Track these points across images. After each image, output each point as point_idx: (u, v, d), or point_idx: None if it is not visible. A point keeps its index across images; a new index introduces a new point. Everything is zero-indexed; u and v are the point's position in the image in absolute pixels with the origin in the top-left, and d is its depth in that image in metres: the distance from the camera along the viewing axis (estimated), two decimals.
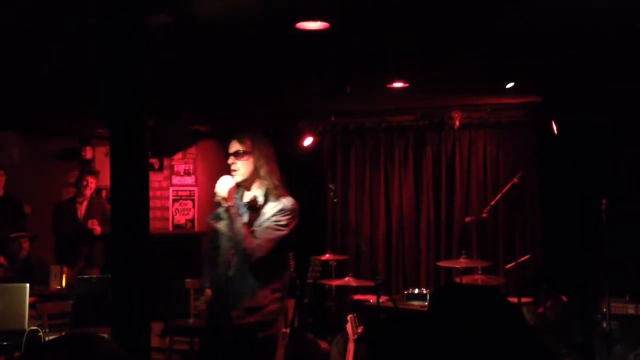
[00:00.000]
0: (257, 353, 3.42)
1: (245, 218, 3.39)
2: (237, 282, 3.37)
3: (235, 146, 3.42)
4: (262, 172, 3.40)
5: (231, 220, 3.32)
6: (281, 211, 3.35)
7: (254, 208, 3.37)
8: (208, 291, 3.50)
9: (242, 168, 3.40)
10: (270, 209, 3.36)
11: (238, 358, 3.41)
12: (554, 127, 5.76)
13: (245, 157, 3.40)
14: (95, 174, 6.78)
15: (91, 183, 6.59)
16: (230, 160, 3.41)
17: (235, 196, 3.42)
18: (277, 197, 3.38)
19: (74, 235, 6.43)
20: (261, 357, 3.44)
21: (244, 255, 3.32)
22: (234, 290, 3.37)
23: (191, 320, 5.89)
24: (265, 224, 3.34)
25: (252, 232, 3.33)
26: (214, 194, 3.41)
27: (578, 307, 5.21)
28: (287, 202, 3.39)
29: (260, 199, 3.39)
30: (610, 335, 4.72)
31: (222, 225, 3.40)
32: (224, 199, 3.31)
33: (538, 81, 5.22)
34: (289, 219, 3.37)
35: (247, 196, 3.44)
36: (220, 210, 3.36)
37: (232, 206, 3.32)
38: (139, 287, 2.97)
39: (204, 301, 3.52)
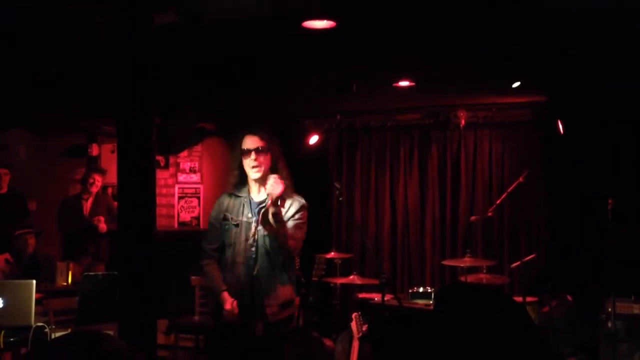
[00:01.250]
0: (286, 345, 3.57)
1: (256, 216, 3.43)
2: (264, 280, 3.40)
3: (256, 142, 3.42)
4: (279, 169, 3.44)
5: (282, 222, 3.33)
6: (299, 210, 3.45)
7: (276, 216, 3.34)
8: (225, 294, 3.44)
9: (264, 164, 3.42)
10: (290, 207, 3.43)
11: (269, 353, 3.46)
12: (560, 127, 5.75)
13: (265, 154, 3.43)
14: (101, 171, 6.80)
15: (97, 180, 6.62)
16: (253, 156, 3.40)
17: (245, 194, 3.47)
18: (290, 195, 3.43)
19: (80, 232, 6.46)
20: (287, 348, 3.59)
21: (282, 255, 3.38)
22: (265, 288, 3.41)
23: (196, 318, 5.91)
24: (291, 224, 3.41)
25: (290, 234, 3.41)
26: (230, 192, 3.46)
27: (583, 307, 5.20)
28: (301, 200, 3.49)
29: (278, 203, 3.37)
30: (615, 335, 4.71)
31: (267, 227, 3.37)
32: (277, 201, 3.29)
33: (544, 80, 5.21)
34: (306, 216, 3.49)
35: (262, 193, 3.45)
36: (272, 212, 3.30)
37: (280, 211, 3.34)
38: (145, 284, 2.98)
39: (231, 303, 3.41)
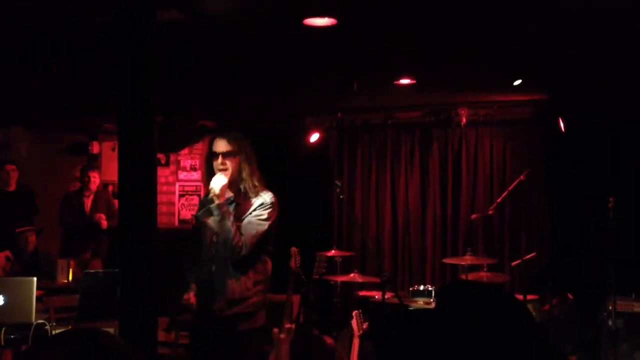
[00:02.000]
0: (239, 346, 3.51)
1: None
2: (219, 275, 3.47)
3: (224, 146, 3.52)
4: (244, 173, 3.52)
5: (222, 217, 3.42)
6: (261, 205, 3.48)
7: (216, 210, 3.46)
8: (192, 286, 3.61)
9: (230, 168, 3.51)
10: (252, 205, 3.49)
11: (222, 351, 3.49)
12: (562, 125, 5.75)
13: (233, 158, 3.51)
14: (95, 168, 6.79)
15: (94, 177, 6.63)
16: (220, 160, 3.50)
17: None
18: (257, 194, 3.50)
19: (81, 228, 6.47)
20: (243, 349, 3.53)
21: (231, 251, 3.42)
22: (217, 284, 3.48)
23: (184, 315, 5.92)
24: (247, 219, 3.46)
25: (239, 228, 3.44)
26: (207, 191, 3.53)
27: (584, 305, 5.20)
28: (266, 196, 3.51)
29: (239, 198, 3.51)
30: (616, 333, 4.71)
31: (211, 221, 3.50)
32: (217, 195, 3.42)
33: (545, 78, 5.21)
34: (269, 212, 3.49)
35: (227, 194, 3.53)
36: (212, 206, 3.46)
37: (223, 204, 3.43)
38: (146, 281, 2.98)
39: (194, 294, 3.58)
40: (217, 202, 3.43)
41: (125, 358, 1.26)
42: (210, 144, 3.60)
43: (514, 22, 3.69)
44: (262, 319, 3.62)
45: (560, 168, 5.97)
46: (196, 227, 3.69)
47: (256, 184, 3.53)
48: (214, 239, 3.51)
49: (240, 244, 3.40)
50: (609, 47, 4.19)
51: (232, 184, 3.54)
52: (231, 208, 3.50)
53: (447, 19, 3.70)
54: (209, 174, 3.63)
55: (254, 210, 3.47)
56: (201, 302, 3.54)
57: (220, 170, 3.50)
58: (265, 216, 3.47)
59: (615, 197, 4.66)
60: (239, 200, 3.53)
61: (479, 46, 4.26)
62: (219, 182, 3.43)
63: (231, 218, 3.43)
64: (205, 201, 3.65)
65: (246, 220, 3.46)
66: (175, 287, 3.79)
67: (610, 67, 4.70)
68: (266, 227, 3.47)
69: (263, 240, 3.49)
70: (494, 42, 4.14)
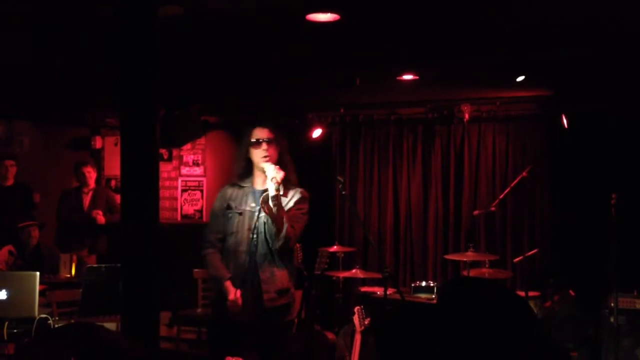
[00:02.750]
0: (286, 337, 3.58)
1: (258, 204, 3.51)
2: (265, 266, 3.48)
3: (266, 134, 3.55)
4: (285, 161, 3.55)
5: (278, 208, 3.42)
6: (302, 200, 3.54)
7: (275, 198, 3.45)
8: (228, 283, 3.50)
9: (273, 155, 3.54)
10: (292, 197, 3.52)
11: (268, 341, 3.52)
12: (565, 121, 5.73)
13: (275, 146, 3.55)
14: (88, 163, 6.77)
15: (90, 173, 6.61)
16: (264, 146, 3.52)
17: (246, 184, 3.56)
18: (294, 186, 3.56)
19: (78, 224, 6.48)
20: (288, 340, 3.60)
21: (284, 241, 3.43)
22: (264, 274, 3.48)
23: (199, 310, 5.92)
24: (293, 213, 3.50)
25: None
26: (233, 183, 3.57)
27: (586, 302, 5.20)
28: (303, 191, 3.59)
29: (281, 189, 3.48)
30: (618, 330, 4.71)
31: (266, 212, 3.45)
32: (279, 184, 3.41)
33: (549, 74, 5.19)
34: (307, 206, 3.58)
35: (265, 184, 3.51)
36: (272, 196, 3.42)
37: (279, 195, 3.43)
38: (148, 276, 2.99)
39: (235, 293, 3.47)
40: (278, 192, 3.40)
41: (122, 352, 1.26)
42: (249, 133, 3.58)
43: (517, 17, 3.67)
44: (296, 311, 3.72)
45: (563, 164, 5.96)
46: (218, 221, 3.60)
47: (293, 176, 3.58)
48: (253, 229, 3.48)
49: (292, 235, 3.46)
50: (612, 43, 4.17)
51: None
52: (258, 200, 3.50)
53: (450, 14, 3.69)
54: (245, 164, 3.60)
55: (297, 203, 3.53)
56: (245, 295, 3.48)
57: (264, 157, 3.50)
58: (305, 210, 3.57)
59: (618, 193, 4.65)
60: (279, 191, 3.50)
61: (482, 42, 4.25)
62: (279, 173, 3.43)
63: (284, 211, 3.46)
64: (225, 200, 3.58)
65: (292, 213, 3.51)
66: (177, 282, 3.80)
67: (614, 63, 4.69)
68: (306, 220, 3.57)
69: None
70: (497, 37, 4.13)
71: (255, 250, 3.48)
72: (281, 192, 3.42)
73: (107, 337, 1.27)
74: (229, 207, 3.57)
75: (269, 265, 3.49)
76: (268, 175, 3.43)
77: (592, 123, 5.72)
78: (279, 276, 3.50)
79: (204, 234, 3.66)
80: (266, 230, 3.48)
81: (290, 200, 3.53)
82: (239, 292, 3.47)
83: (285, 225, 3.42)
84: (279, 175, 3.41)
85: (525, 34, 4.01)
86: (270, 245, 3.48)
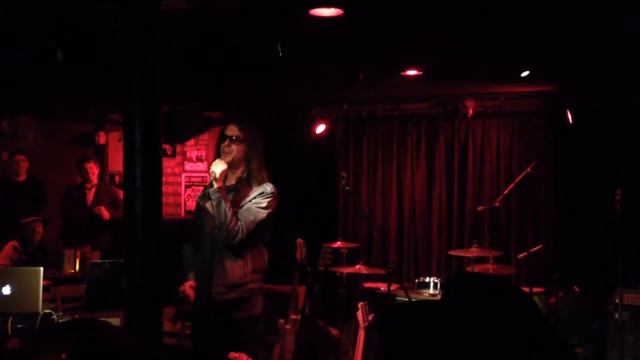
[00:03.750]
0: (240, 331, 3.56)
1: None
2: (218, 260, 3.53)
3: (234, 131, 3.61)
4: (253, 164, 3.60)
5: (219, 201, 3.48)
6: (261, 194, 3.56)
7: (214, 193, 3.52)
8: (190, 275, 3.66)
9: (234, 153, 3.59)
10: (252, 192, 3.56)
11: (223, 337, 3.54)
12: (569, 116, 5.71)
13: (239, 145, 3.59)
14: (91, 159, 6.78)
15: (92, 169, 6.62)
16: (226, 143, 3.59)
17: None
18: (259, 183, 3.59)
19: (81, 220, 6.48)
20: (243, 335, 3.57)
21: (227, 234, 3.47)
22: (216, 268, 3.53)
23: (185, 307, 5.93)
24: (246, 206, 3.53)
25: (235, 213, 3.50)
26: (210, 172, 3.59)
27: (590, 298, 5.19)
28: (267, 186, 3.60)
29: (242, 185, 3.58)
30: (623, 326, 4.70)
31: (209, 206, 3.57)
32: (216, 179, 3.49)
33: (553, 70, 5.17)
34: (269, 201, 3.56)
35: (231, 179, 3.62)
36: (211, 190, 3.52)
37: (221, 188, 3.50)
38: (151, 272, 2.99)
39: (189, 286, 3.62)
40: (215, 186, 3.49)
41: (124, 348, 1.26)
42: (222, 129, 3.68)
43: (522, 13, 3.65)
44: (260, 305, 3.67)
45: (567, 160, 5.93)
46: (197, 215, 3.73)
47: (263, 176, 3.61)
48: (214, 225, 3.55)
49: (236, 228, 3.47)
50: (617, 38, 4.15)
51: (235, 172, 3.63)
52: (230, 196, 3.55)
53: (454, 9, 3.67)
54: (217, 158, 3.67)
55: (254, 198, 3.55)
56: (200, 288, 3.59)
57: (225, 153, 3.58)
58: (264, 204, 3.54)
59: (623, 189, 4.63)
60: (239, 187, 3.60)
61: (486, 37, 4.23)
62: (219, 167, 3.51)
63: (228, 203, 3.48)
64: (204, 192, 3.71)
65: (245, 206, 3.53)
66: (181, 278, 3.81)
67: (619, 58, 4.66)
68: (264, 215, 3.54)
69: (260, 228, 3.56)
70: (502, 32, 4.11)
71: (214, 244, 3.55)
72: (216, 186, 3.47)
73: (111, 333, 1.27)
74: (199, 205, 3.70)
75: (221, 259, 3.53)
76: (211, 169, 3.52)
77: (596, 118, 5.69)
78: (231, 270, 3.52)
79: (189, 231, 3.80)
80: (219, 226, 3.54)
81: (249, 195, 3.57)
82: (188, 284, 3.60)
83: (228, 218, 3.44)
84: (217, 170, 3.48)
85: (529, 29, 3.98)
86: (225, 240, 3.52)
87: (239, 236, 3.48)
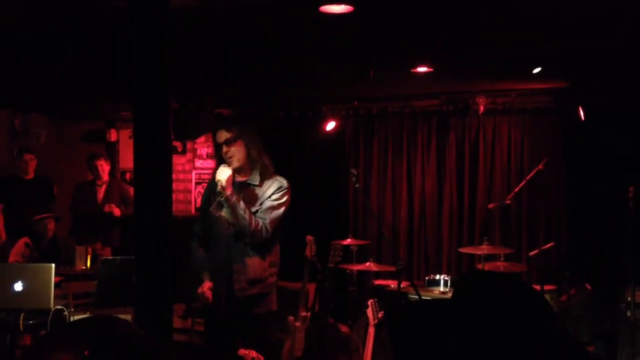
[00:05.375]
0: (259, 328, 3.59)
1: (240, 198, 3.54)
2: (237, 257, 3.54)
3: (224, 135, 3.60)
4: (254, 154, 3.59)
5: (233, 207, 3.47)
6: (278, 189, 3.57)
7: (226, 202, 3.50)
8: (205, 275, 3.66)
9: (236, 154, 3.57)
10: (268, 188, 3.56)
11: (243, 333, 3.57)
12: (581, 113, 5.67)
13: (236, 143, 3.57)
14: (101, 156, 6.80)
15: (102, 166, 6.65)
16: (224, 149, 3.58)
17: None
18: (271, 176, 3.59)
19: (92, 217, 6.52)
20: (263, 332, 3.60)
21: (251, 237, 3.49)
22: (236, 265, 3.54)
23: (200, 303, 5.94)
24: (267, 204, 3.54)
25: (254, 212, 3.51)
26: (210, 184, 3.63)
27: (602, 296, 5.15)
28: (281, 180, 3.61)
29: (256, 180, 3.57)
30: (635, 324, 4.67)
31: (224, 213, 3.55)
32: (223, 187, 3.47)
33: (566, 66, 5.13)
34: (286, 196, 3.59)
35: (246, 177, 3.61)
36: (222, 200, 3.51)
37: (232, 194, 3.48)
38: (161, 269, 2.99)
39: (208, 288, 3.61)
40: (225, 194, 3.47)
41: (140, 345, 1.26)
42: (214, 138, 3.69)
43: (534, 7, 3.62)
44: (276, 301, 3.70)
45: (579, 157, 5.89)
46: (207, 220, 3.70)
47: (267, 163, 3.61)
48: (231, 230, 3.56)
49: (259, 228, 3.48)
50: (631, 34, 4.11)
51: (245, 168, 3.62)
52: (242, 194, 3.55)
53: (465, 5, 3.64)
54: (222, 161, 3.66)
55: (272, 194, 3.55)
56: (218, 287, 3.59)
57: (228, 159, 3.57)
58: (283, 200, 3.57)
59: (636, 186, 4.60)
60: (252, 182, 3.59)
61: (497, 33, 4.20)
62: (224, 173, 3.49)
63: (241, 204, 3.48)
64: (210, 193, 3.68)
65: (266, 204, 3.54)
66: (190, 274, 3.82)
67: (631, 54, 4.62)
68: (283, 210, 3.57)
69: (280, 223, 3.59)
70: (513, 28, 4.08)
71: (231, 242, 3.55)
72: (226, 194, 3.46)
73: (125, 331, 1.28)
74: (209, 203, 3.66)
75: (241, 256, 3.54)
76: (217, 177, 3.49)
77: (608, 115, 5.65)
78: (252, 266, 3.54)
79: (192, 227, 3.79)
80: (237, 227, 3.53)
81: (265, 191, 3.58)
82: (207, 286, 3.61)
83: (247, 221, 3.45)
84: (223, 178, 3.45)
85: (542, 24, 3.95)
86: (244, 239, 3.54)
87: (264, 234, 3.51)
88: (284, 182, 3.61)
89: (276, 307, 3.70)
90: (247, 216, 3.46)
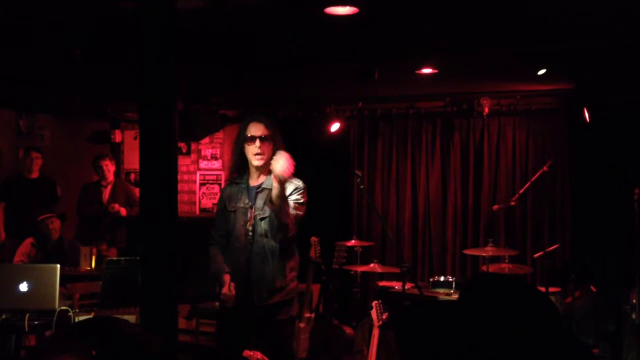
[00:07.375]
0: (280, 334, 3.52)
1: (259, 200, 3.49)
2: (257, 265, 3.46)
3: (262, 130, 3.47)
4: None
5: (283, 198, 3.34)
6: (296, 190, 3.47)
7: (282, 194, 3.40)
8: (227, 277, 3.54)
9: (266, 152, 3.47)
10: (288, 190, 3.44)
11: (263, 339, 3.49)
12: (587, 115, 5.66)
13: (269, 142, 3.47)
14: (107, 156, 6.80)
15: (107, 166, 6.64)
16: (257, 143, 3.44)
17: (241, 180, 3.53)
18: (290, 178, 3.47)
19: (97, 217, 6.53)
20: (284, 337, 3.55)
21: (283, 229, 3.38)
22: (255, 274, 3.46)
23: (217, 303, 5.94)
24: (290, 204, 3.44)
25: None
26: (230, 179, 3.54)
27: (607, 298, 5.14)
28: (298, 182, 3.50)
29: (271, 183, 3.42)
30: (639, 326, 4.65)
31: (271, 195, 3.40)
32: (284, 180, 3.33)
33: (570, 68, 5.12)
34: (305, 197, 3.50)
35: (260, 179, 3.52)
36: (274, 194, 3.35)
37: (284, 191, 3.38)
38: (167, 269, 3.00)
39: (229, 286, 3.53)
40: (277, 190, 3.34)
41: (144, 346, 1.26)
42: (244, 128, 3.52)
43: (539, 9, 3.62)
44: (297, 306, 3.65)
45: (584, 159, 5.88)
46: (222, 216, 3.62)
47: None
48: (249, 226, 3.47)
49: (291, 227, 3.40)
50: (636, 35, 4.10)
51: (266, 168, 3.50)
52: (264, 195, 3.48)
53: (470, 7, 3.64)
54: (239, 158, 3.56)
55: (291, 194, 3.45)
56: (239, 292, 3.50)
57: (256, 154, 3.44)
58: (302, 201, 3.48)
59: None
60: (268, 186, 3.50)
61: (502, 34, 4.20)
62: (285, 168, 3.30)
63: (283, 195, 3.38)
64: (231, 191, 3.59)
65: (290, 205, 3.45)
66: (196, 275, 3.82)
67: (637, 56, 4.60)
68: (304, 211, 3.49)
69: (298, 224, 3.52)
70: (518, 30, 4.08)
71: (250, 247, 3.47)
72: (287, 190, 3.39)
73: (129, 331, 1.28)
74: (225, 207, 3.58)
75: (261, 263, 3.45)
76: (273, 172, 3.34)
77: (614, 116, 5.64)
78: (271, 275, 3.45)
79: (210, 231, 3.70)
80: (264, 227, 3.45)
81: (286, 192, 3.49)
82: (232, 286, 3.50)
83: (287, 218, 3.38)
84: (285, 171, 3.29)
85: (547, 25, 3.95)
86: (266, 243, 3.45)
87: (288, 235, 3.44)
88: (300, 183, 3.50)
89: (297, 311, 3.66)
90: (287, 214, 3.38)
